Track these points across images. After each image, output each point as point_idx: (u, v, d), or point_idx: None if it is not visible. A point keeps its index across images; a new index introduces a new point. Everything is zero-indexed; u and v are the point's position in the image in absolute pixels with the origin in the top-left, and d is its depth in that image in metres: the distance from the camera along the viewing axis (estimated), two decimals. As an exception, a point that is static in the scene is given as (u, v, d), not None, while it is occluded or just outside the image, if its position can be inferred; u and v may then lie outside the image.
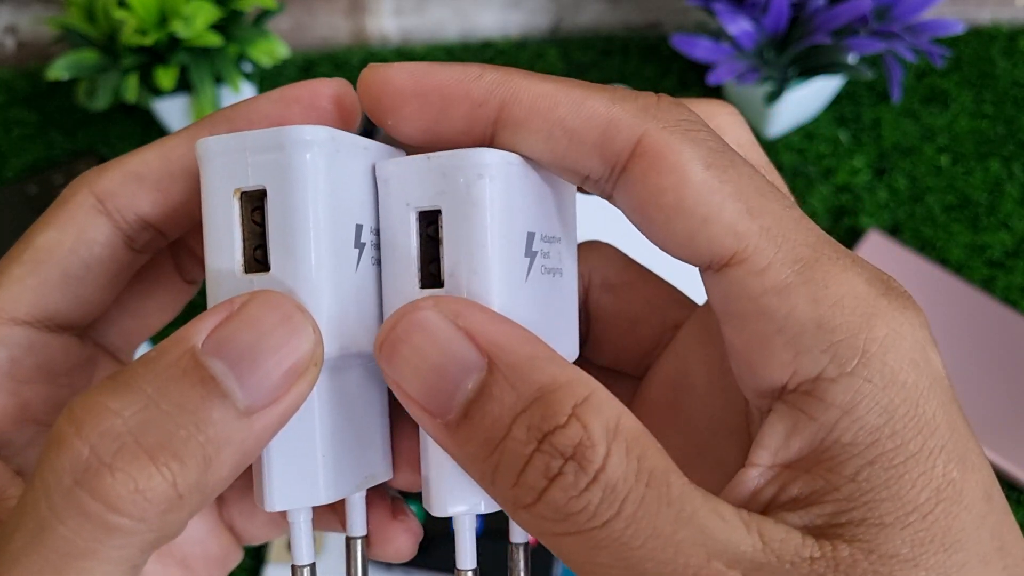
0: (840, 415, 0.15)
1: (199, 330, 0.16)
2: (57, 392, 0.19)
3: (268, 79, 0.65)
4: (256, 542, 0.23)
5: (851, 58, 0.54)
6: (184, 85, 0.56)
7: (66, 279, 0.19)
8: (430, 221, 0.18)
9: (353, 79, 0.18)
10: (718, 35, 0.59)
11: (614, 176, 0.17)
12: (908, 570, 0.14)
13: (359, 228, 0.18)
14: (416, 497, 0.21)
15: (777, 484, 0.16)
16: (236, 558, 0.23)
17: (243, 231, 0.17)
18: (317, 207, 0.17)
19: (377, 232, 0.18)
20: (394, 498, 0.21)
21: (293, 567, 0.19)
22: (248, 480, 0.19)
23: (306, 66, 0.66)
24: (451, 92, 0.17)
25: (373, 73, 0.18)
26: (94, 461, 0.14)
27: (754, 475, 0.16)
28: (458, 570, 0.18)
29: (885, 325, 0.15)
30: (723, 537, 0.14)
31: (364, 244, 0.18)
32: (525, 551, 0.19)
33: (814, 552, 0.15)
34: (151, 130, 0.62)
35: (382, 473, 0.20)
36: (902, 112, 0.63)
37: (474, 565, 0.19)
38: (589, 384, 0.15)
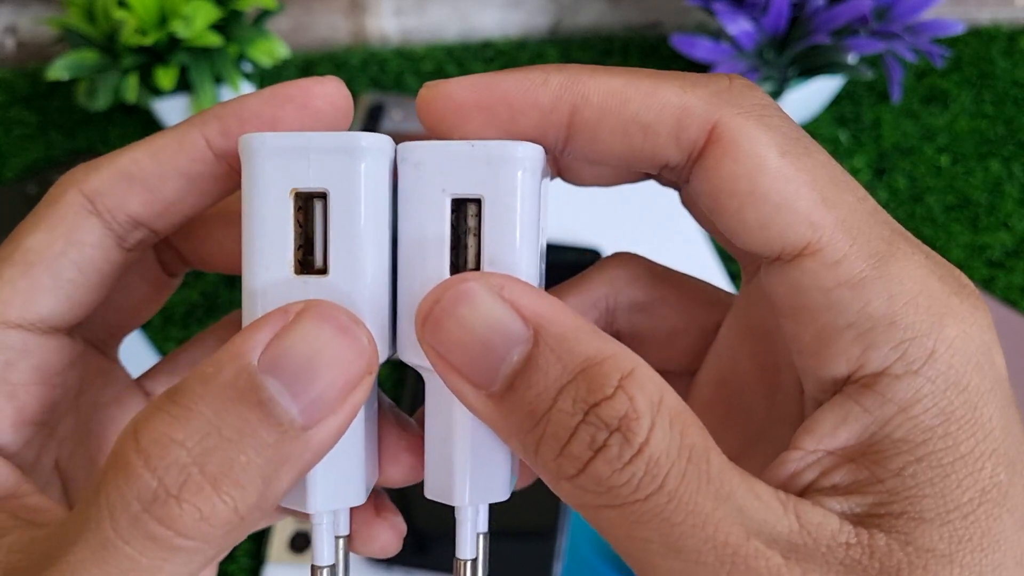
0: (896, 412, 0.15)
1: (254, 344, 0.16)
2: (50, 392, 0.19)
3: (268, 79, 0.65)
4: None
5: (851, 58, 0.54)
6: (184, 85, 0.56)
7: (57, 282, 0.19)
8: (455, 208, 0.17)
9: (353, 79, 0.18)
10: (718, 35, 0.59)
11: (690, 163, 0.17)
12: (943, 566, 0.14)
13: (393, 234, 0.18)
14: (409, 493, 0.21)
15: (818, 469, 0.16)
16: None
17: (295, 230, 0.17)
18: (382, 214, 0.17)
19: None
20: (377, 494, 0.21)
21: (313, 568, 0.19)
22: None
23: (306, 66, 0.66)
24: (518, 102, 0.17)
25: (432, 91, 0.17)
26: (162, 492, 0.15)
27: (796, 457, 0.16)
28: (457, 559, 0.19)
29: (956, 326, 0.16)
30: (760, 517, 0.15)
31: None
32: (473, 568, 0.19)
33: (850, 538, 0.15)
34: (151, 130, 0.62)
35: (375, 471, 0.20)
36: (902, 112, 0.63)
37: (475, 555, 0.19)
38: (633, 358, 0.15)
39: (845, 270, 0.16)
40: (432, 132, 0.18)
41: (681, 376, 0.23)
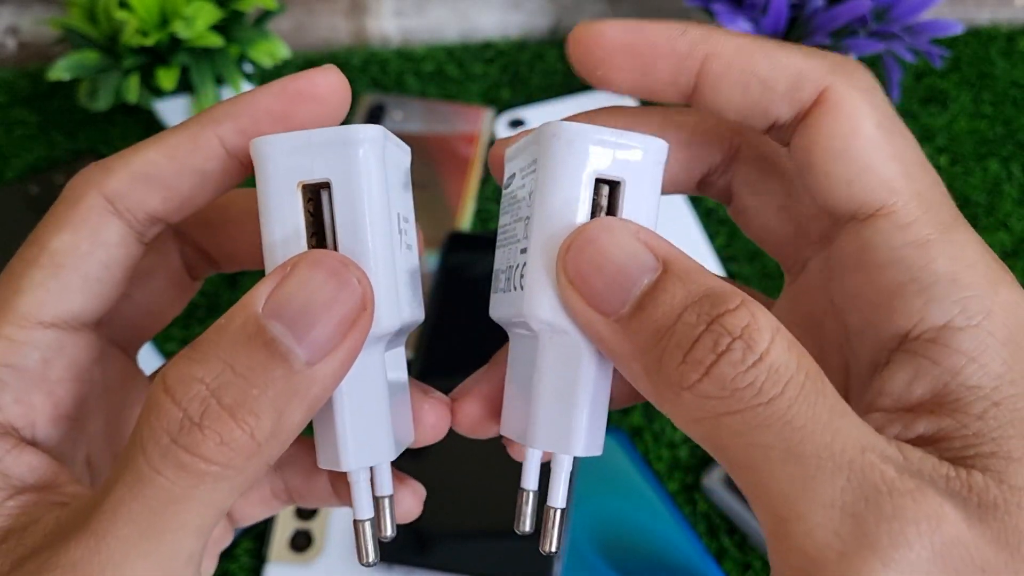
0: (966, 361, 0.17)
1: (259, 295, 0.17)
2: (81, 388, 0.20)
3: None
4: (248, 523, 0.24)
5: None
6: (185, 86, 0.56)
7: (86, 282, 0.20)
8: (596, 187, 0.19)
9: (354, 79, 0.19)
10: (718, 36, 0.59)
11: (796, 122, 0.19)
12: None
13: (399, 216, 0.20)
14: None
15: (900, 424, 0.17)
16: (228, 540, 0.25)
17: (306, 219, 0.19)
18: (381, 195, 0.19)
19: (405, 220, 0.20)
20: (419, 382, 0.22)
21: (355, 522, 0.20)
22: None
23: (307, 67, 0.66)
24: (658, 47, 0.19)
25: (586, 29, 0.19)
26: (187, 422, 0.16)
27: (876, 417, 0.17)
28: (548, 506, 0.20)
29: (1008, 294, 0.17)
30: (871, 438, 0.16)
31: (403, 230, 0.20)
32: (534, 498, 0.21)
33: (950, 472, 0.16)
34: (152, 130, 0.62)
35: (409, 432, 0.22)
36: (901, 112, 0.63)
37: (564, 505, 0.20)
38: (750, 298, 0.17)
39: (914, 232, 0.18)
40: (578, 66, 0.20)
41: None
